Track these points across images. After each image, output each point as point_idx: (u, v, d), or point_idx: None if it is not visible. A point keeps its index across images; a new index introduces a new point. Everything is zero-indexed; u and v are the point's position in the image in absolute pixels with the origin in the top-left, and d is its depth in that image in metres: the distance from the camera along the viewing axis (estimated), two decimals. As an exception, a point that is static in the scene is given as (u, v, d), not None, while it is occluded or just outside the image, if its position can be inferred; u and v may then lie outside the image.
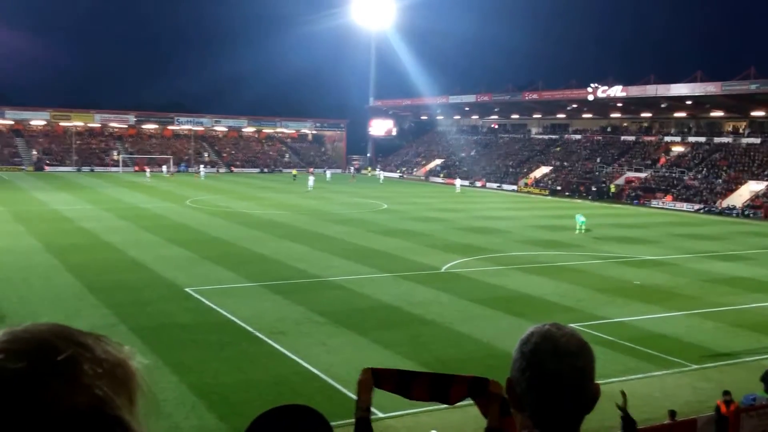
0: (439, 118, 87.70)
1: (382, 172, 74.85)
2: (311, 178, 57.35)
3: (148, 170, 65.74)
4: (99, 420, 0.74)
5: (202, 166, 73.27)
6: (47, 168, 71.11)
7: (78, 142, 77.63)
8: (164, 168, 69.29)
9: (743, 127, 60.32)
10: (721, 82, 53.57)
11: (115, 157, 76.18)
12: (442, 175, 74.42)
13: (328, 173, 71.53)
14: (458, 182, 63.25)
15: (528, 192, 63.16)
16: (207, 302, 18.00)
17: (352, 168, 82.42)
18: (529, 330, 1.44)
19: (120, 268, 21.89)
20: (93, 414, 0.73)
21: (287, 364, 13.74)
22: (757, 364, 14.31)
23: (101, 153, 77.66)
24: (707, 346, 16.00)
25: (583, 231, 33.68)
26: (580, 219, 34.36)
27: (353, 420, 2.92)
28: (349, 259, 24.62)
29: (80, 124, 79.58)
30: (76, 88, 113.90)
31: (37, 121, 78.80)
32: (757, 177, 52.80)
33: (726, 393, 11.33)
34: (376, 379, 2.81)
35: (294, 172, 70.40)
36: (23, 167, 70.59)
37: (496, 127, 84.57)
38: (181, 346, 14.47)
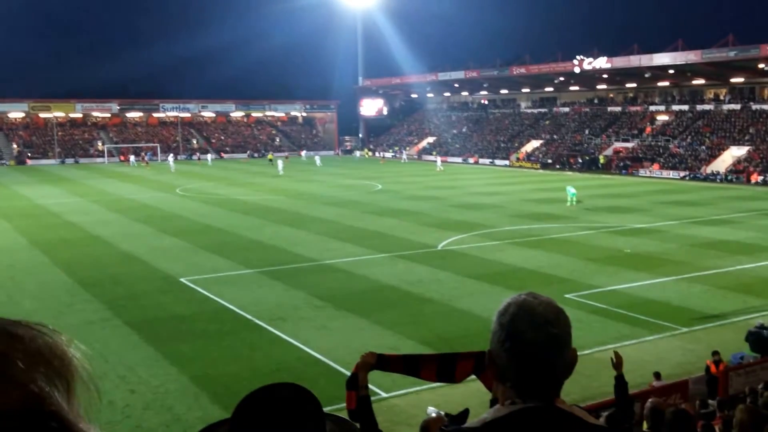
0: (429, 95, 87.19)
1: (405, 153, 74.43)
2: (280, 162, 54.74)
3: (171, 159, 61.56)
4: (33, 418, 0.70)
5: (209, 154, 72.73)
6: (29, 161, 70.13)
7: (60, 133, 76.35)
8: (131, 158, 66.13)
9: (724, 93, 60.69)
10: (701, 50, 53.77)
11: (100, 148, 75.26)
12: (434, 153, 74.36)
13: (317, 159, 66.51)
14: (438, 160, 61.94)
15: (520, 166, 63.35)
16: (204, 292, 17.95)
17: (380, 151, 79.98)
18: (505, 301, 1.43)
19: (112, 262, 21.64)
20: (27, 412, 0.70)
21: (289, 349, 13.78)
22: (745, 324, 14.64)
23: (85, 144, 76.55)
24: (696, 309, 16.36)
25: (574, 203, 33.95)
26: (570, 191, 34.62)
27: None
28: (345, 241, 24.70)
29: (61, 114, 78.06)
30: (54, 77, 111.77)
31: (16, 113, 77.24)
32: (738, 142, 53.41)
33: (715, 353, 11.66)
34: (383, 363, 2.95)
35: (270, 156, 67.18)
36: (4, 162, 69.42)
37: (486, 102, 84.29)
38: (179, 338, 14.38)
